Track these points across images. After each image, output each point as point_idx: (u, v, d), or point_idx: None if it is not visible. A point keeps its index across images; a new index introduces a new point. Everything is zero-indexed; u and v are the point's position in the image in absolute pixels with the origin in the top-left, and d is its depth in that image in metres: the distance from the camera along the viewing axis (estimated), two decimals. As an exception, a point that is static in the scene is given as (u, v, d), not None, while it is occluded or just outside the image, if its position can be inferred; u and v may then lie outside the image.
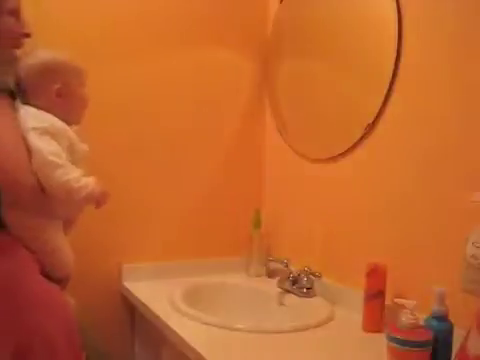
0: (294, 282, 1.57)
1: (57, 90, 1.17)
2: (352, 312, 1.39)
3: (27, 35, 1.18)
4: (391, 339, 1.05)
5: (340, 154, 1.53)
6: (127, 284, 1.64)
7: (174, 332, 1.28)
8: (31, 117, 1.13)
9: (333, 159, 1.56)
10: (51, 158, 1.10)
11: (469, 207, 1.08)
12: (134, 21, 1.65)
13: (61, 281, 1.18)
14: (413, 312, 1.05)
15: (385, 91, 1.36)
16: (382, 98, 1.37)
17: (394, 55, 1.33)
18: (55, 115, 1.16)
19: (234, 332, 1.28)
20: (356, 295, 1.38)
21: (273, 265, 1.73)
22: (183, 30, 1.73)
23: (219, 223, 1.82)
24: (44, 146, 1.10)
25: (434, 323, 1.06)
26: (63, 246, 1.19)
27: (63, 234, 1.21)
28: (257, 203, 1.86)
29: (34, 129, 1.11)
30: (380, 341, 1.11)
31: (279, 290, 1.59)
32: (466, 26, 1.18)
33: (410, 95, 1.32)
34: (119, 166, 1.66)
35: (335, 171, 1.56)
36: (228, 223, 1.83)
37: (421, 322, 1.06)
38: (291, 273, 1.59)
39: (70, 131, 1.17)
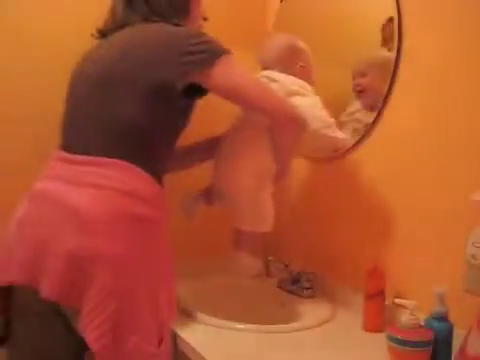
0: (294, 282, 1.57)
1: (300, 67, 1.44)
2: (352, 312, 1.39)
3: (206, 19, 1.45)
4: (391, 339, 1.05)
5: (340, 154, 1.53)
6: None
7: (174, 332, 1.28)
8: (284, 75, 1.39)
9: (333, 159, 1.56)
10: (317, 99, 1.40)
11: (469, 207, 1.07)
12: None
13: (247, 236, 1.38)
14: (413, 312, 1.05)
15: (385, 91, 1.36)
16: (382, 98, 1.37)
17: (394, 54, 1.33)
18: None
19: (234, 332, 1.28)
20: (356, 295, 1.38)
21: (273, 265, 1.73)
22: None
23: (219, 223, 1.82)
24: (308, 92, 1.39)
25: (434, 323, 1.06)
26: (268, 203, 1.34)
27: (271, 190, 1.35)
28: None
29: (294, 81, 1.39)
30: (380, 341, 1.11)
31: (279, 290, 1.59)
32: (467, 24, 1.18)
33: (410, 95, 1.32)
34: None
35: (335, 171, 1.56)
36: (228, 223, 1.83)
37: (421, 322, 1.06)
38: (291, 273, 1.59)
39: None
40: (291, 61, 1.43)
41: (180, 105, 1.25)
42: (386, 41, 1.37)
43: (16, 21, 1.55)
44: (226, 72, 1.21)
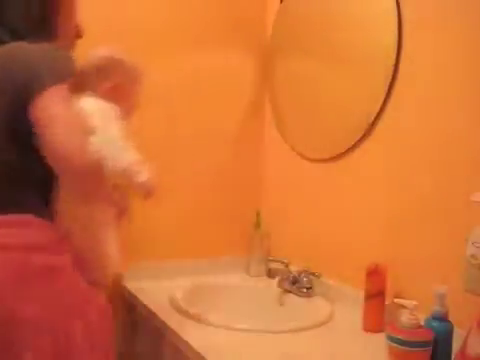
0: (294, 282, 1.57)
1: (107, 89, 1.16)
2: (352, 312, 1.39)
3: (79, 36, 1.24)
4: (391, 339, 1.05)
5: (340, 154, 1.53)
6: (127, 284, 1.65)
7: (174, 332, 1.28)
8: (93, 102, 1.12)
9: (333, 159, 1.56)
10: (118, 135, 1.09)
11: (469, 207, 1.07)
12: (134, 22, 1.65)
13: (94, 285, 1.15)
14: (413, 312, 1.05)
15: (385, 91, 1.36)
16: (382, 98, 1.37)
17: (394, 54, 1.33)
18: None
19: (234, 332, 1.28)
20: (356, 295, 1.38)
21: (273, 265, 1.73)
22: (183, 31, 1.73)
23: (219, 223, 1.82)
24: (111, 126, 1.09)
25: (434, 323, 1.06)
26: (110, 244, 1.17)
27: (115, 234, 1.19)
28: (257, 203, 1.86)
29: (99, 110, 1.11)
30: (380, 341, 1.11)
31: (279, 290, 1.59)
32: (468, 23, 1.18)
33: (410, 95, 1.32)
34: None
35: (335, 171, 1.56)
36: (228, 223, 1.83)
37: (421, 322, 1.06)
38: (291, 273, 1.59)
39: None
40: (97, 80, 1.17)
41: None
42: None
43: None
44: (44, 107, 1.02)
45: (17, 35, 1.12)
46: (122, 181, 1.10)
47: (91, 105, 1.11)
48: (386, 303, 1.30)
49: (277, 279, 1.64)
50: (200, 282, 1.66)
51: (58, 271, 1.09)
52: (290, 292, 1.57)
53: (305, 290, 1.55)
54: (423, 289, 1.13)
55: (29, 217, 1.09)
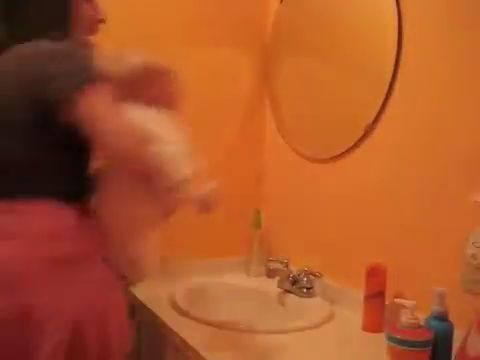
0: (294, 282, 1.57)
1: (148, 96, 1.20)
2: (352, 312, 1.39)
3: (102, 21, 1.21)
4: (391, 339, 1.05)
5: (340, 154, 1.53)
6: (127, 284, 1.64)
7: (174, 332, 1.28)
8: (148, 112, 1.17)
9: (333, 159, 1.56)
10: (180, 147, 1.14)
11: (469, 207, 1.07)
12: (134, 21, 1.65)
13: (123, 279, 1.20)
14: (413, 312, 1.06)
15: (385, 91, 1.36)
16: (382, 98, 1.37)
17: (394, 54, 1.33)
18: None
19: (234, 332, 1.28)
20: (356, 295, 1.38)
21: (273, 265, 1.73)
22: (183, 30, 1.73)
23: (219, 223, 1.82)
24: (172, 137, 1.15)
25: (434, 323, 1.06)
26: (147, 243, 1.20)
27: (156, 234, 1.22)
28: (257, 203, 1.86)
29: (155, 120, 1.16)
30: (380, 341, 1.11)
31: (279, 290, 1.60)
32: (466, 25, 1.18)
33: (410, 95, 1.32)
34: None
35: (335, 171, 1.56)
36: (228, 223, 1.83)
37: (421, 322, 1.06)
38: (291, 273, 1.59)
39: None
40: (137, 89, 1.20)
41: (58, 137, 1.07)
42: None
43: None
44: (87, 105, 1.03)
45: (35, 30, 1.10)
46: (180, 193, 1.13)
47: (148, 115, 1.15)
48: (386, 303, 1.31)
49: (277, 279, 1.64)
50: (200, 282, 1.66)
51: (78, 260, 1.07)
52: (290, 292, 1.58)
53: (305, 290, 1.55)
54: (423, 289, 1.13)
55: (39, 204, 1.06)
